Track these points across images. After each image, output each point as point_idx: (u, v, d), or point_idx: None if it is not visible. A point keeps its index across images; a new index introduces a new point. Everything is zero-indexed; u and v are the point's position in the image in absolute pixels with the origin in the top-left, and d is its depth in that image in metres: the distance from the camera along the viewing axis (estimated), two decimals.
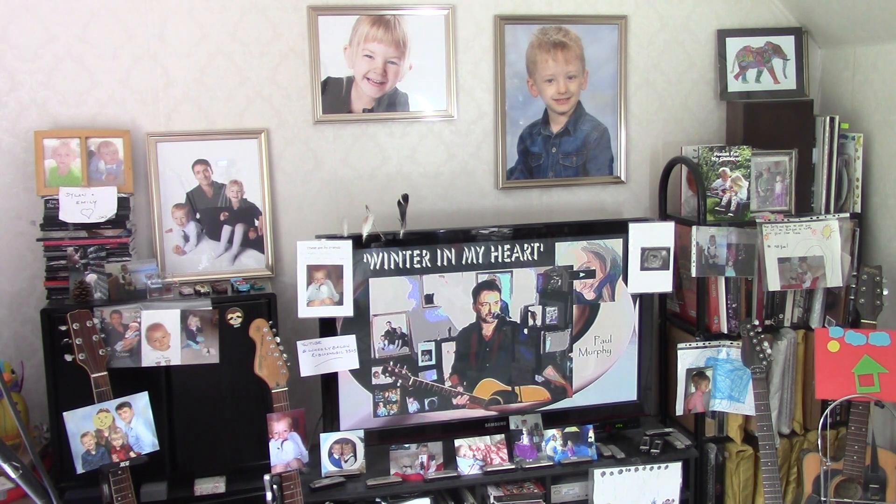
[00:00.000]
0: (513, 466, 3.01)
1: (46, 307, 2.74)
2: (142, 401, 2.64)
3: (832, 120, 3.29)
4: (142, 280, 2.84)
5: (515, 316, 3.11)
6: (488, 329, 3.10)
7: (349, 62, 3.18)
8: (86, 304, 2.70)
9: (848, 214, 3.22)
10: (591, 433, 3.09)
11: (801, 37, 3.55)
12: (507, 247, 3.06)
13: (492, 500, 2.94)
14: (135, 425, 2.62)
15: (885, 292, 2.95)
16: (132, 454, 2.61)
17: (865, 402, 2.86)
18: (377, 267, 2.97)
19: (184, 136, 3.07)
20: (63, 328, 2.57)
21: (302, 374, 2.83)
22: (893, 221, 3.25)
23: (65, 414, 2.55)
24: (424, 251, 3.00)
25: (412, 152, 3.31)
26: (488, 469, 3.00)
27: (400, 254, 2.98)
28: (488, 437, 3.05)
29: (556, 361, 3.16)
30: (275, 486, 2.63)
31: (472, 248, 3.04)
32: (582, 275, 3.13)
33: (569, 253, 3.11)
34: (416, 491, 2.91)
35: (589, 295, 3.15)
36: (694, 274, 3.14)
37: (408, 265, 3.00)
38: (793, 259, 3.13)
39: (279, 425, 2.67)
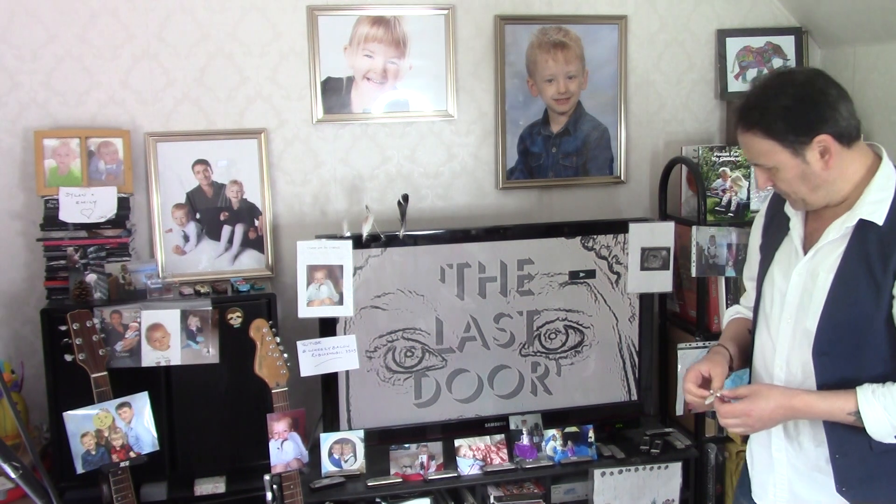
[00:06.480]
0: (513, 466, 3.01)
1: (46, 307, 2.74)
2: (142, 401, 2.64)
3: None
4: (142, 280, 2.84)
5: None
6: None
7: (349, 62, 3.18)
8: (86, 304, 2.70)
9: None
10: (591, 433, 3.09)
11: (801, 37, 3.55)
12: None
13: (492, 500, 2.94)
14: (135, 425, 2.62)
15: None
16: (132, 454, 2.60)
17: None
18: None
19: (184, 136, 3.06)
20: (63, 328, 2.57)
21: (302, 374, 2.83)
22: None
23: (65, 414, 2.54)
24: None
25: (412, 152, 3.30)
26: (488, 469, 3.00)
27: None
28: (488, 437, 3.05)
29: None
30: (275, 486, 2.63)
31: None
32: (582, 275, 3.13)
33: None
34: (416, 491, 2.90)
35: None
36: (694, 274, 3.14)
37: None
38: None
39: (279, 425, 2.66)
